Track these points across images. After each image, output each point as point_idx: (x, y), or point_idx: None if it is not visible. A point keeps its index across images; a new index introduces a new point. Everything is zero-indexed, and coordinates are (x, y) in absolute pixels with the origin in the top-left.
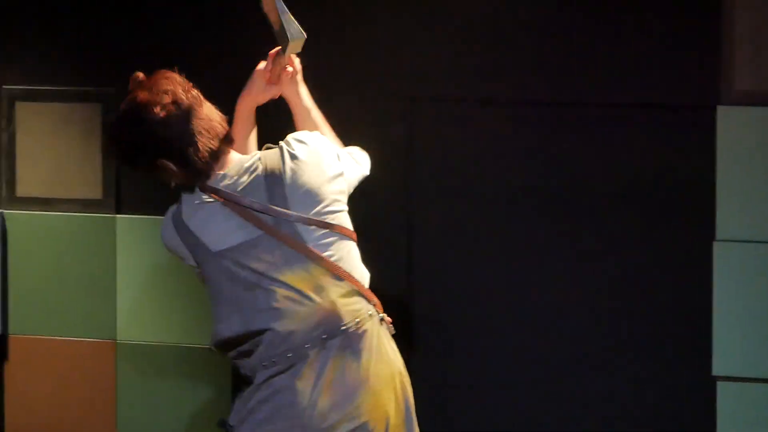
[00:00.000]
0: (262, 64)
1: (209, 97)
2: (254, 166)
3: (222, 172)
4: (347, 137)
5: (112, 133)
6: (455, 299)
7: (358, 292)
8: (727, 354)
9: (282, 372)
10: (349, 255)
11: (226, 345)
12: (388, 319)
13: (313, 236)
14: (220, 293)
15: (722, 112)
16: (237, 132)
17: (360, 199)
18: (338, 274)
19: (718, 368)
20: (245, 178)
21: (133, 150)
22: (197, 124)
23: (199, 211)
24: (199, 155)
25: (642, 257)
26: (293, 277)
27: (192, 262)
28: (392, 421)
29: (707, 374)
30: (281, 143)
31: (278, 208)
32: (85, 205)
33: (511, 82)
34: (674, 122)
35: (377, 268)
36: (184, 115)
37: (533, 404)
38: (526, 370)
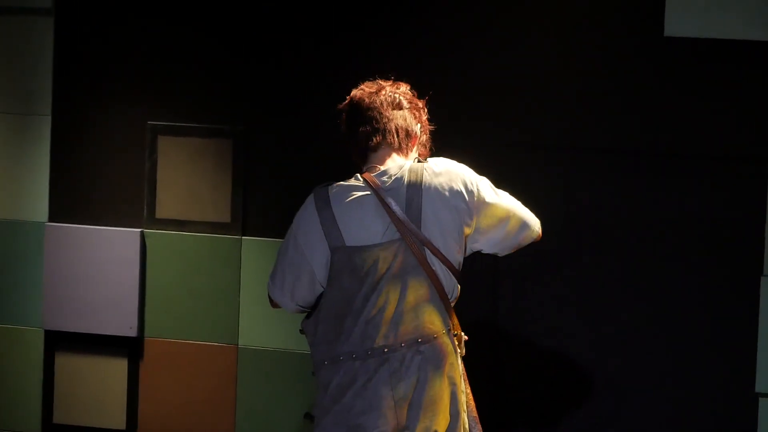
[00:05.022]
0: None
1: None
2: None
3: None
4: None
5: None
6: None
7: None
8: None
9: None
10: None
11: None
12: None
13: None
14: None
15: None
16: None
17: None
18: None
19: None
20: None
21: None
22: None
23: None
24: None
25: (695, 287)
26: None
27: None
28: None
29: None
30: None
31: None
32: (215, 227)
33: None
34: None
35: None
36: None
37: (588, 414)
38: (576, 383)
